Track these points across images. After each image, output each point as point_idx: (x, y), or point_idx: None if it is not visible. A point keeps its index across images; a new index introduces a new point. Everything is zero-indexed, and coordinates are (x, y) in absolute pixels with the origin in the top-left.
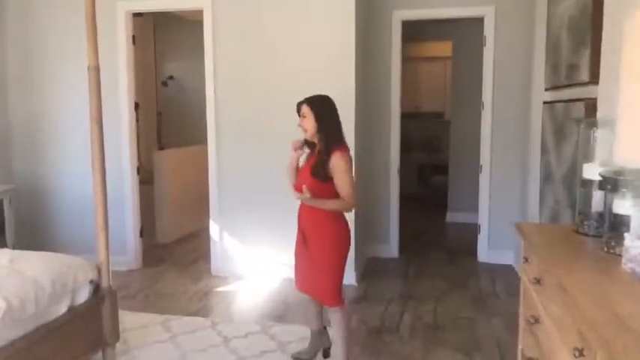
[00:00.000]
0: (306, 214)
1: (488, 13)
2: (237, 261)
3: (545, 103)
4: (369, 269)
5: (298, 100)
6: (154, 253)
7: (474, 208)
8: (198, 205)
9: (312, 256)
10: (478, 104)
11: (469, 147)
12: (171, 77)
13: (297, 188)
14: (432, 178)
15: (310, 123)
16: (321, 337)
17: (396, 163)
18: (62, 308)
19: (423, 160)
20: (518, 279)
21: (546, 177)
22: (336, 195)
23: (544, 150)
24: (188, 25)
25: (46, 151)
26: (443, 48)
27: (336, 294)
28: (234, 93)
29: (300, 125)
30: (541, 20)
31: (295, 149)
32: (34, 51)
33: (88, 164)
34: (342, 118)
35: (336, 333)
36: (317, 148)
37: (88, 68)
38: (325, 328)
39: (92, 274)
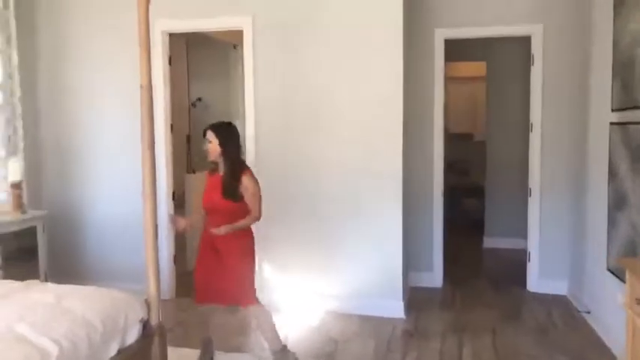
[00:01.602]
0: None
1: (536, 32)
2: (274, 291)
3: (612, 124)
4: (414, 300)
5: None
6: (186, 280)
7: (515, 233)
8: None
9: (226, 267)
10: (516, 125)
11: (507, 170)
12: (199, 99)
13: (210, 227)
14: (464, 201)
15: (215, 148)
16: (210, 346)
17: (440, 186)
18: (113, 350)
19: (451, 183)
20: (575, 311)
21: (618, 203)
22: (245, 210)
23: (613, 174)
24: (216, 45)
25: (77, 176)
26: (472, 68)
27: (252, 294)
28: (273, 114)
29: (205, 149)
30: (603, 37)
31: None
32: (67, 77)
33: (121, 189)
34: (389, 141)
35: (262, 330)
36: (226, 170)
37: (141, 87)
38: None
39: (142, 312)
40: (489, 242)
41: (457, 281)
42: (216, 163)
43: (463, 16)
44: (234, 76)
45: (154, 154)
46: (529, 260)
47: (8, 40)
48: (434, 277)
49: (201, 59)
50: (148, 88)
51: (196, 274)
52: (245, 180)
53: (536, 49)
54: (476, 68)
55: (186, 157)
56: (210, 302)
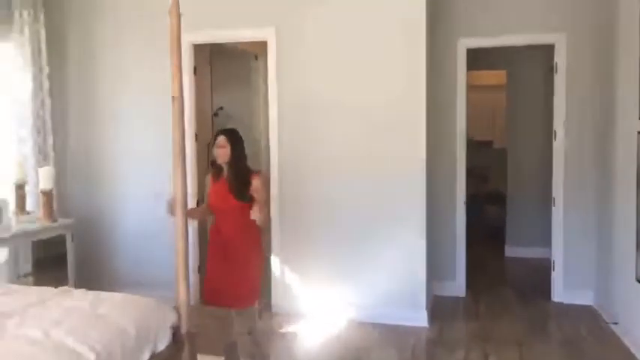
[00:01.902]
0: (231, 230)
1: (559, 40)
2: (299, 298)
3: None
4: (438, 309)
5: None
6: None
7: (537, 242)
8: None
9: (239, 267)
10: (538, 133)
11: (530, 177)
12: (221, 108)
13: (221, 227)
14: (484, 208)
15: (226, 152)
16: (234, 352)
17: (462, 194)
18: (145, 356)
19: (471, 190)
20: (602, 322)
21: None
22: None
23: None
24: (238, 56)
25: (105, 185)
26: (491, 76)
27: (258, 295)
28: (295, 123)
29: (216, 154)
30: (629, 45)
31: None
32: (95, 88)
33: (147, 198)
34: (412, 149)
35: (256, 332)
36: (229, 174)
37: (172, 99)
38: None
39: (172, 318)
40: (511, 251)
41: (480, 290)
42: (220, 167)
43: (485, 26)
44: (255, 85)
45: (185, 165)
46: (554, 270)
47: (39, 52)
48: (457, 285)
49: (224, 69)
50: (180, 99)
51: (207, 275)
52: (255, 182)
53: (560, 57)
54: (495, 76)
55: (208, 164)
56: (220, 305)
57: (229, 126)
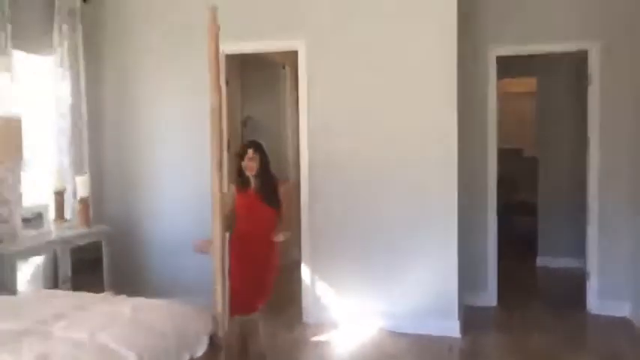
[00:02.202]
0: (256, 238)
1: (593, 48)
2: (329, 307)
3: None
4: (469, 319)
5: (249, 142)
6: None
7: (570, 252)
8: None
9: (262, 273)
10: (570, 142)
11: (562, 187)
12: (249, 117)
13: (244, 237)
14: (513, 218)
15: (256, 164)
16: None
17: (494, 203)
18: None
19: (500, 199)
20: None
21: None
22: (278, 217)
23: None
24: (267, 65)
25: (138, 194)
26: (520, 84)
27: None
28: (328, 133)
29: (246, 166)
30: None
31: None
32: (129, 97)
33: (180, 206)
34: (444, 159)
35: (260, 335)
36: (257, 184)
37: (211, 110)
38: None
39: (210, 325)
40: (543, 261)
41: (512, 301)
42: (247, 179)
43: (516, 33)
44: (283, 94)
45: (222, 175)
46: (588, 280)
47: (77, 65)
48: (488, 296)
49: (252, 79)
50: (218, 110)
51: (232, 286)
52: (282, 189)
53: (594, 64)
54: (524, 84)
55: (237, 174)
56: (245, 314)
57: (257, 135)
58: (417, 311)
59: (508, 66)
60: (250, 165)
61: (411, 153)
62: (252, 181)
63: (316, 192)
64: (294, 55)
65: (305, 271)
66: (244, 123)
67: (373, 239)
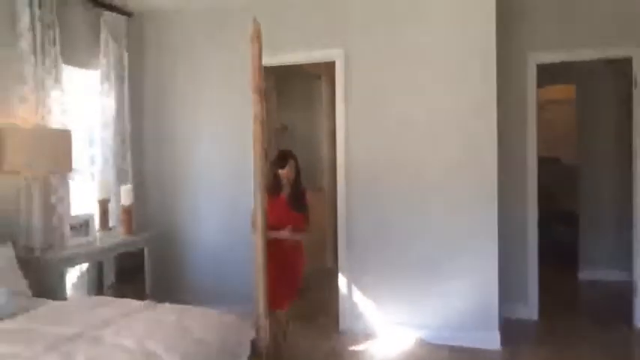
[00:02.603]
0: (286, 242)
1: (637, 54)
2: (367, 317)
3: None
4: (509, 332)
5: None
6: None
7: (614, 264)
8: (312, 251)
9: (292, 272)
10: (612, 150)
11: (604, 196)
12: (284, 127)
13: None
14: (553, 228)
15: (292, 172)
16: None
17: (534, 213)
18: None
19: (539, 209)
20: None
21: None
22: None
23: None
24: (302, 76)
25: (178, 201)
26: (558, 91)
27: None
28: (365, 143)
29: (283, 174)
30: None
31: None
32: (168, 108)
33: (218, 213)
34: (483, 168)
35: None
36: (290, 190)
37: (254, 119)
38: None
39: (252, 333)
40: (585, 273)
41: (554, 314)
42: (280, 185)
43: (555, 40)
44: (318, 104)
45: (263, 183)
46: (636, 294)
47: (121, 78)
48: (529, 308)
49: (288, 89)
50: (261, 120)
51: (269, 284)
52: (308, 196)
53: (639, 69)
54: (562, 91)
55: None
56: (281, 309)
57: (292, 144)
58: (456, 322)
59: (545, 73)
60: (288, 174)
61: (450, 163)
62: (285, 188)
63: (353, 202)
64: (329, 65)
65: (341, 280)
66: (280, 132)
67: (411, 248)
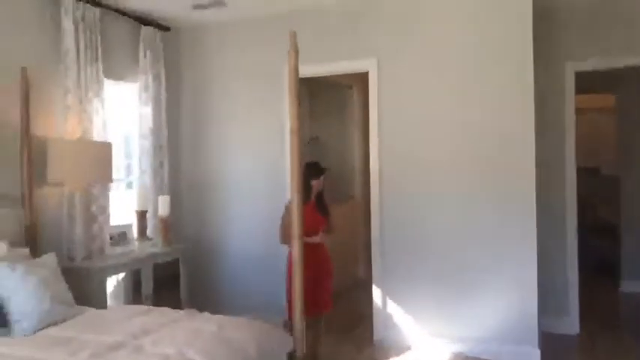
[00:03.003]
0: (320, 248)
1: None
2: (402, 329)
3: None
4: (549, 347)
5: (321, 166)
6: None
7: None
8: (344, 262)
9: (325, 278)
10: None
11: None
12: (316, 137)
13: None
14: (592, 239)
15: (322, 184)
16: None
17: (573, 224)
18: None
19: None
20: None
21: None
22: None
23: None
24: (333, 87)
25: (214, 212)
26: (596, 99)
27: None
28: (398, 151)
29: (316, 184)
30: None
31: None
32: (205, 119)
33: (254, 225)
34: (521, 178)
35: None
36: (318, 197)
37: (291, 131)
38: None
39: (290, 343)
40: (628, 286)
41: (595, 328)
42: (309, 195)
43: (596, 47)
44: (350, 116)
45: (301, 197)
46: None
47: (159, 90)
48: (569, 323)
49: (319, 100)
50: (298, 132)
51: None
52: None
53: None
54: (601, 99)
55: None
56: (315, 316)
57: (324, 155)
58: (494, 336)
59: (583, 81)
60: (320, 185)
61: (487, 173)
62: (313, 195)
63: (387, 211)
64: (360, 76)
65: (376, 291)
66: (311, 143)
67: (447, 258)
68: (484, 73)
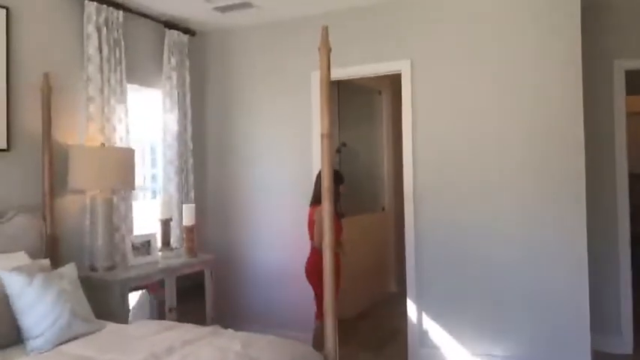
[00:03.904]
0: (336, 258)
1: None
2: (439, 347)
3: None
4: None
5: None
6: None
7: None
8: (375, 275)
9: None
10: None
11: None
12: (344, 144)
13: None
14: None
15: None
16: None
17: (626, 235)
18: None
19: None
20: None
21: None
22: None
23: None
24: (362, 91)
25: (241, 222)
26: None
27: None
28: (434, 157)
29: (342, 189)
30: None
31: None
32: (231, 124)
33: (283, 237)
34: (569, 185)
35: None
36: (339, 204)
37: (322, 136)
38: None
39: None
40: None
41: None
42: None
43: None
44: (378, 121)
45: (333, 206)
46: None
47: (183, 96)
48: (622, 341)
49: (347, 105)
50: (329, 137)
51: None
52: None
53: None
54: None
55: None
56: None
57: (352, 162)
58: (541, 355)
59: (634, 81)
60: (344, 190)
61: (531, 177)
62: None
63: (422, 222)
64: (390, 80)
65: (410, 306)
66: (338, 150)
67: (488, 271)
68: (529, 73)
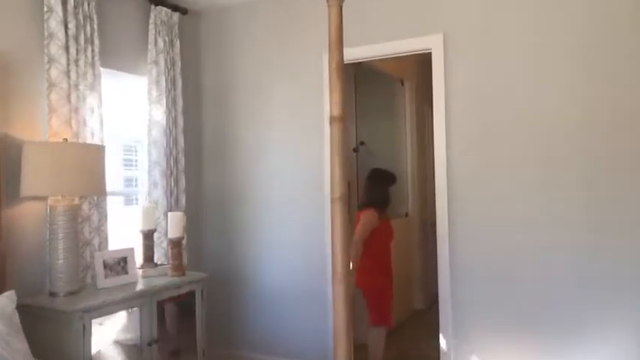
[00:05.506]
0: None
1: None
2: None
3: None
4: None
5: None
6: (359, 354)
7: None
8: (398, 289)
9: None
10: None
11: None
12: (362, 143)
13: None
14: None
15: None
16: None
17: None
18: None
19: None
20: None
21: None
22: None
23: None
24: (383, 80)
25: (242, 234)
26: None
27: None
28: (472, 153)
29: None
30: None
31: None
32: (232, 118)
33: (289, 249)
34: (627, 184)
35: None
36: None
37: (331, 119)
38: None
39: None
40: None
41: None
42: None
43: None
44: (400, 115)
45: (346, 207)
46: None
47: (173, 83)
48: None
49: (364, 98)
50: (341, 120)
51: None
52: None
53: None
54: None
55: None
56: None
57: (372, 164)
58: None
59: None
60: None
61: (583, 172)
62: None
63: (456, 231)
64: (415, 64)
65: (443, 333)
66: (356, 149)
67: (539, 300)
68: (587, 51)
